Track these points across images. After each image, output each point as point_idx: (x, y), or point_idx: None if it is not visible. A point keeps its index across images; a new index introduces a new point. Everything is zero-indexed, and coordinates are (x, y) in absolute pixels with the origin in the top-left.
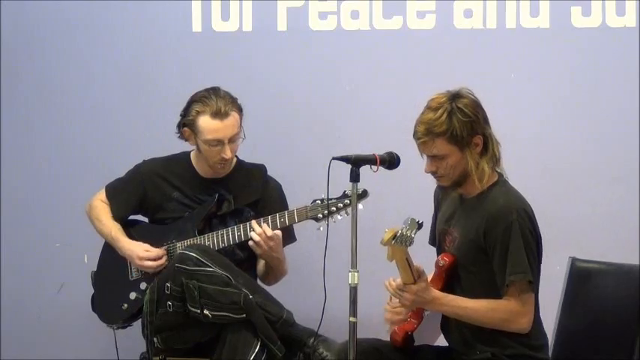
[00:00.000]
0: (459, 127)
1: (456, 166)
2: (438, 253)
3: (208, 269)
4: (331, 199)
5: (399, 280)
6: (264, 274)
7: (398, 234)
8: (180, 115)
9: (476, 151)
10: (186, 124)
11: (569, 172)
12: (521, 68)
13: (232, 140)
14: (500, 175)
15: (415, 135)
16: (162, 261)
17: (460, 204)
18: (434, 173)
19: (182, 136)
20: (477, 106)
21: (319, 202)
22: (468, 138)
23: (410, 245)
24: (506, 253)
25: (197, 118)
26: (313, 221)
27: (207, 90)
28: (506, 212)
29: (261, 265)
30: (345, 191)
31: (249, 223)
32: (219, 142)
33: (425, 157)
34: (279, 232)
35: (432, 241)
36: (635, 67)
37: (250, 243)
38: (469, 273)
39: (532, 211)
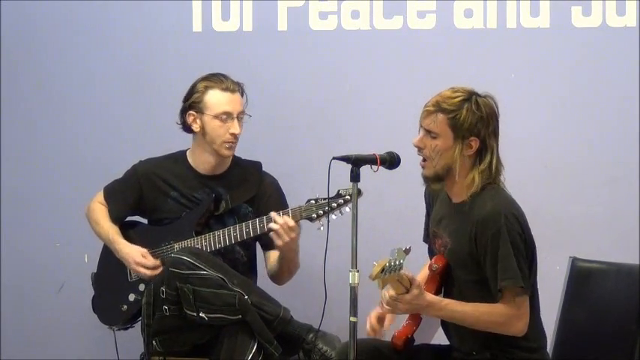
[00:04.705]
0: (464, 115)
1: (442, 152)
2: (430, 253)
3: (202, 272)
4: (326, 199)
5: (392, 292)
6: (278, 271)
7: (386, 267)
8: (183, 101)
9: (467, 152)
10: (192, 106)
11: (569, 172)
12: (522, 68)
13: (240, 117)
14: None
15: (426, 105)
16: (158, 271)
17: (449, 207)
18: (420, 150)
19: (185, 124)
20: (492, 113)
21: (313, 202)
22: (467, 132)
23: (400, 270)
24: (496, 259)
25: (205, 93)
26: (309, 221)
27: (210, 74)
28: (495, 218)
29: (273, 262)
30: (339, 190)
31: (269, 215)
32: (229, 116)
33: (420, 131)
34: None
35: (426, 238)
36: (635, 67)
37: (271, 234)
38: (462, 276)
39: (522, 214)
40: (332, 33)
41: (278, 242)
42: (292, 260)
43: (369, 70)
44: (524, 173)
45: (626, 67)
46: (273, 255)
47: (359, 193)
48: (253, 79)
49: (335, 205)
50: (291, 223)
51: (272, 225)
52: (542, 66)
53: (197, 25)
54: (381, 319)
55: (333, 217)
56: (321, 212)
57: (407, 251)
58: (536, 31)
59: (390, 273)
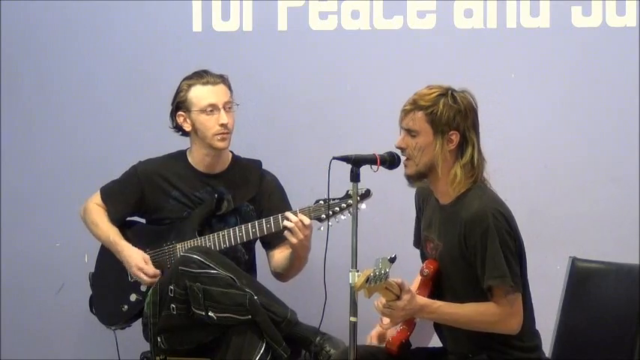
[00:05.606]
0: (441, 110)
1: (424, 149)
2: (422, 257)
3: (212, 271)
4: (334, 200)
5: (383, 300)
6: (287, 269)
7: (370, 277)
8: (171, 104)
9: (448, 147)
10: (179, 106)
11: (569, 172)
12: (522, 68)
13: (226, 108)
14: (475, 180)
15: (403, 105)
16: (156, 279)
17: (438, 211)
18: (402, 151)
19: (176, 126)
20: (470, 106)
21: (322, 202)
22: (446, 127)
23: (386, 279)
24: (485, 258)
25: (188, 91)
26: (318, 222)
27: (192, 72)
28: (482, 216)
29: (278, 261)
30: (347, 191)
31: (284, 214)
32: (215, 108)
33: (401, 132)
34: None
35: (417, 243)
36: (635, 67)
37: (286, 232)
38: (454, 278)
39: (509, 212)
40: (332, 33)
41: (292, 240)
42: (304, 258)
43: (369, 70)
44: (524, 173)
45: (626, 67)
46: (278, 254)
47: (369, 194)
48: (253, 79)
49: (344, 205)
50: (307, 221)
51: (286, 223)
52: (542, 66)
53: (197, 25)
54: (381, 338)
55: (342, 217)
56: (330, 213)
57: (392, 260)
58: (536, 31)
59: (374, 283)
